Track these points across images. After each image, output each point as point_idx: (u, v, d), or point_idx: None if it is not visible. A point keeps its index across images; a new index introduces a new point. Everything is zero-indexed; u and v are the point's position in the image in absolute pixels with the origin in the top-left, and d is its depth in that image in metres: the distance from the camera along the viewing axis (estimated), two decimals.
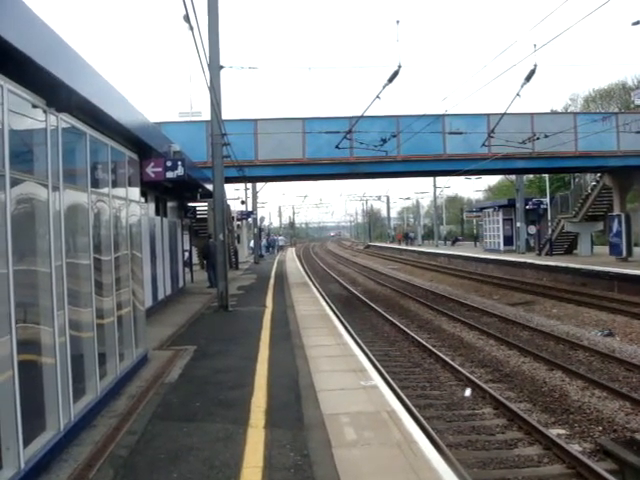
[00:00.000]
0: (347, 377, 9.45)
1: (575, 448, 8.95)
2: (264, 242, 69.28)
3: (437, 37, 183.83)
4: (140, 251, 10.90)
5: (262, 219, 72.89)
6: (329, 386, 8.85)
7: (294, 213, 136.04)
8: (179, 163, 13.87)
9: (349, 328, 17.31)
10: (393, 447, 6.24)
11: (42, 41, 6.03)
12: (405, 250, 71.30)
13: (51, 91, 6.34)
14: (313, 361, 10.56)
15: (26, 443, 5.59)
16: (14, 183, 5.52)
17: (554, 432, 9.61)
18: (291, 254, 70.58)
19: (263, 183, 45.65)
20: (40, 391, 6.17)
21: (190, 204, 27.57)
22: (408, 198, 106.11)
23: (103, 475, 5.81)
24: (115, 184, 9.12)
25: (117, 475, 5.80)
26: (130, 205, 9.98)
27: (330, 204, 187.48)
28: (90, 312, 7.64)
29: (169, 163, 13.66)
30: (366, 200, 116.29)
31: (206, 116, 27.01)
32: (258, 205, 54.75)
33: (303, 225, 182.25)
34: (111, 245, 8.72)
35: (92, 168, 7.99)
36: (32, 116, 6.18)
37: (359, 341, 15.47)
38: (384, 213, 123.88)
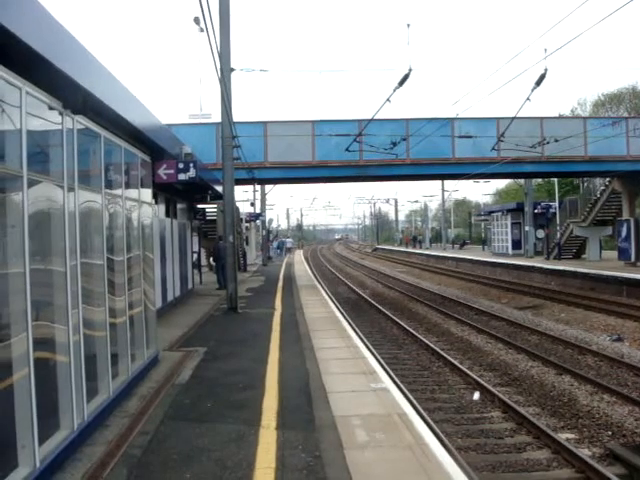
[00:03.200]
0: (357, 379, 9.47)
1: (584, 452, 8.95)
2: (274, 244, 69.38)
3: (448, 41, 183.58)
4: (152, 252, 10.97)
5: (270, 221, 73.03)
6: (339, 388, 8.87)
7: (302, 215, 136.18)
8: (191, 165, 13.97)
9: (358, 331, 17.33)
10: (405, 449, 6.27)
11: (61, 44, 6.12)
12: (413, 253, 71.26)
13: (68, 93, 6.40)
14: (323, 363, 10.59)
15: (40, 442, 5.64)
16: (31, 184, 5.58)
17: (563, 436, 9.61)
18: (299, 256, 70.62)
19: (272, 185, 45.71)
20: (54, 390, 6.22)
21: (199, 206, 27.68)
22: (416, 201, 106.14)
23: (117, 474, 5.87)
24: (128, 185, 9.18)
25: (131, 475, 5.85)
26: (142, 206, 10.04)
27: (338, 207, 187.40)
28: (103, 311, 7.71)
29: (181, 165, 13.76)
30: (374, 203, 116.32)
31: (216, 118, 27.11)
32: (266, 207, 54.82)
33: (310, 227, 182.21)
34: (124, 246, 8.78)
35: (106, 169, 8.06)
36: (48, 118, 6.24)
37: (368, 344, 15.49)
38: (392, 216, 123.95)
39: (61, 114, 6.45)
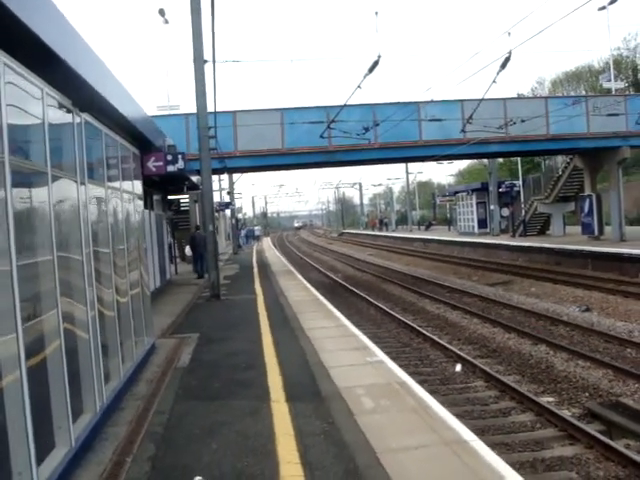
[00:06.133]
0: (352, 355, 9.95)
1: (565, 413, 9.57)
2: (243, 232, 69.56)
3: (416, 28, 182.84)
4: (144, 242, 11.29)
5: (239, 210, 73.08)
6: (338, 363, 9.33)
7: (266, 203, 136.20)
8: (179, 157, 14.29)
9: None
10: (410, 412, 6.78)
11: (73, 44, 6.36)
12: (380, 236, 71.89)
13: (76, 91, 6.67)
14: (316, 342, 11.02)
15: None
16: (53, 179, 5.90)
17: (544, 400, 10.22)
18: (267, 244, 70.90)
19: (239, 174, 45.85)
20: (78, 373, 6.53)
21: (171, 197, 27.81)
22: (380, 184, 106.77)
23: (145, 449, 6.24)
24: (124, 179, 9.49)
25: (159, 449, 6.23)
26: (135, 199, 10.36)
27: (303, 193, 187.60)
28: (112, 296, 8.05)
29: (170, 157, 14.08)
30: (337, 188, 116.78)
31: (185, 109, 27.28)
32: (234, 196, 54.90)
33: (274, 215, 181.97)
34: (124, 236, 9.11)
35: (107, 164, 8.38)
36: (60, 116, 6.54)
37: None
38: (356, 200, 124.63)
39: (71, 112, 6.75)
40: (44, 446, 5.46)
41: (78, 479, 5.60)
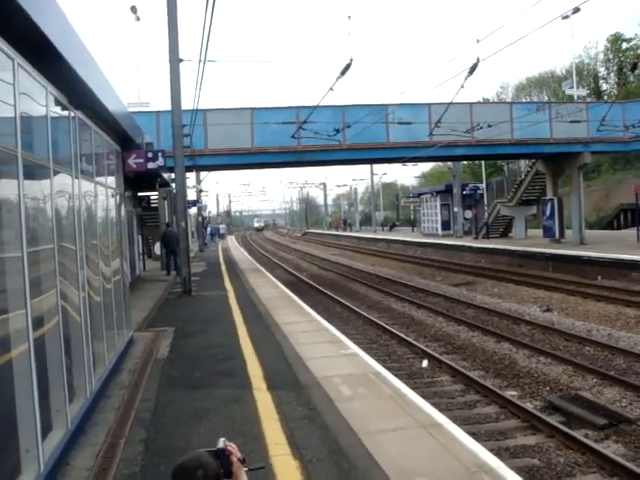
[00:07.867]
0: (327, 347, 10.35)
1: (528, 405, 10.09)
2: (209, 230, 69.47)
3: (388, 32, 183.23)
4: (126, 237, 11.53)
5: (204, 208, 72.89)
6: (314, 355, 9.72)
7: (230, 202, 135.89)
8: (159, 154, 14.49)
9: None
10: (387, 399, 7.20)
11: (71, 40, 6.59)
12: (344, 236, 72.27)
13: (72, 89, 6.92)
14: (291, 336, 11.38)
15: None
16: (54, 174, 6.18)
17: (508, 393, 10.72)
18: (232, 242, 70.89)
19: (206, 172, 45.90)
20: (70, 356, 6.75)
21: (141, 194, 27.85)
22: (344, 185, 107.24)
23: (137, 433, 6.55)
24: (109, 175, 9.74)
25: (149, 433, 6.54)
26: (118, 194, 10.60)
27: (268, 192, 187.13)
28: (100, 283, 8.31)
29: (150, 154, 14.28)
30: (301, 187, 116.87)
31: (155, 107, 27.38)
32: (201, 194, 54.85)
33: (237, 213, 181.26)
34: (108, 230, 9.37)
35: (95, 160, 8.62)
36: (58, 113, 6.79)
37: None
38: (320, 200, 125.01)
39: (67, 109, 7.01)
40: (43, 428, 5.73)
41: (76, 459, 5.88)
